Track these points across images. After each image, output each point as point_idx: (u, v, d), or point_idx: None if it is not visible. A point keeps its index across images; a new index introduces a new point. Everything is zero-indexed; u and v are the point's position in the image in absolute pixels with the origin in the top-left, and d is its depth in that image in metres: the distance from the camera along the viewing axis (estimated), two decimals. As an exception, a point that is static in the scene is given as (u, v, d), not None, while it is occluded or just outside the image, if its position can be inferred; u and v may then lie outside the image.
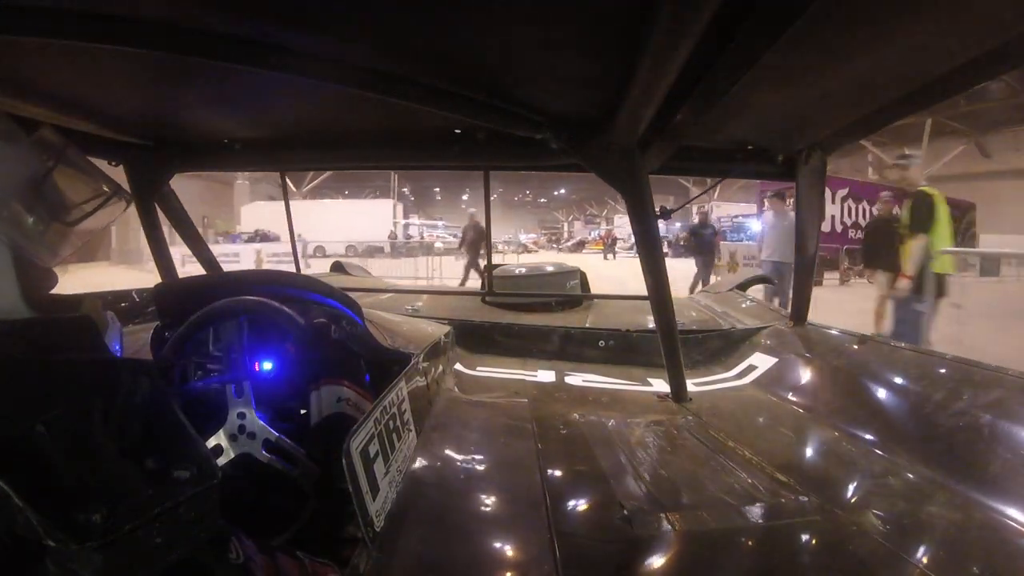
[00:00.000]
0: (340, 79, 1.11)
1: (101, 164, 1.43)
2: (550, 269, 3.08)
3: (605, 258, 25.07)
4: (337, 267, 3.62)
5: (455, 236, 29.14)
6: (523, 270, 3.03)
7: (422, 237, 26.99)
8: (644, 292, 1.70)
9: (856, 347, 1.64)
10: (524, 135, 1.41)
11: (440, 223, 34.37)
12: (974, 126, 18.83)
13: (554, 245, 36.39)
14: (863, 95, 1.25)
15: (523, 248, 32.16)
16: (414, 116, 1.39)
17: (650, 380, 1.89)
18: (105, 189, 0.99)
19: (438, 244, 23.70)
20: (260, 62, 1.03)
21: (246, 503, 1.12)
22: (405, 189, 39.92)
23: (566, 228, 45.16)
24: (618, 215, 41.50)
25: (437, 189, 45.07)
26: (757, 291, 4.06)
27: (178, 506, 0.65)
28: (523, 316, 2.41)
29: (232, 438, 1.18)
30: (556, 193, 45.23)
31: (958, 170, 19.22)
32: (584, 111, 1.33)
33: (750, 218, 24.05)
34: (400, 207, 30.59)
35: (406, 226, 29.75)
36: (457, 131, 1.61)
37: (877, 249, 5.62)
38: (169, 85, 1.33)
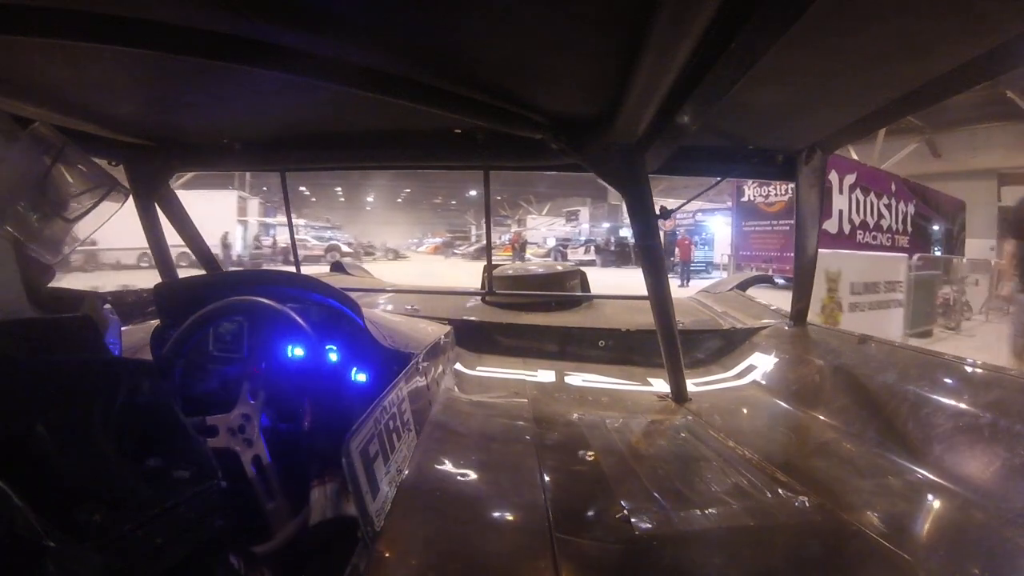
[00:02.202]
0: (340, 79, 1.11)
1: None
2: (550, 269, 3.08)
3: (512, 268, 19.57)
4: (337, 267, 3.62)
5: (330, 240, 22.55)
6: (524, 271, 3.04)
7: (274, 241, 20.85)
8: (640, 293, 1.70)
9: (856, 347, 1.63)
10: (524, 135, 1.41)
11: (325, 226, 27.48)
12: (928, 122, 17.99)
13: (455, 251, 29.13)
14: (863, 95, 1.25)
15: (394, 254, 26.37)
16: (414, 116, 1.39)
17: (650, 380, 1.89)
18: (102, 185, 1.00)
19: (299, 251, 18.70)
20: (260, 62, 1.03)
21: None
22: (303, 188, 34.50)
23: (473, 231, 38.82)
24: (531, 216, 36.60)
25: (339, 189, 40.63)
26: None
27: (178, 506, 0.66)
28: (523, 316, 2.41)
29: (230, 431, 1.18)
30: (467, 195, 40.43)
31: (907, 171, 18.28)
32: (584, 111, 1.33)
33: (712, 216, 19.65)
34: (255, 202, 22.74)
35: (264, 227, 22.98)
36: (457, 131, 1.61)
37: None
38: (169, 85, 1.33)
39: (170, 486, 0.68)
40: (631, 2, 0.80)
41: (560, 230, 31.12)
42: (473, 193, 41.74)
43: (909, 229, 14.18)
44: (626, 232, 24.17)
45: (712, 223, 20.24)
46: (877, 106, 1.29)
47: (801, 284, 1.93)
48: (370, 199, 42.04)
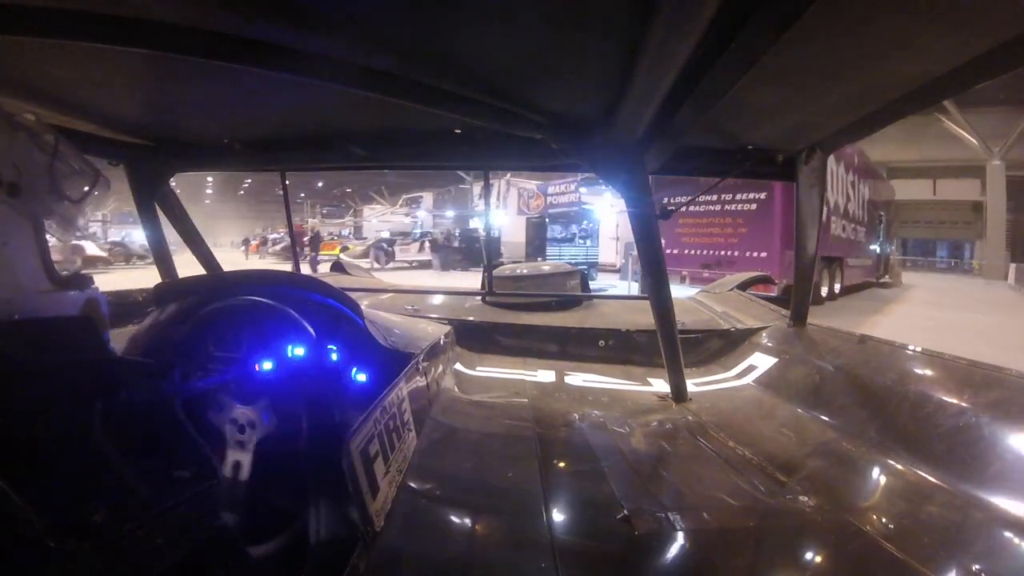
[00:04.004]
0: (340, 79, 1.11)
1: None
2: (550, 269, 3.09)
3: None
4: (337, 267, 3.62)
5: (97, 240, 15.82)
6: (524, 270, 3.04)
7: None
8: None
9: (856, 347, 1.63)
10: (524, 135, 1.41)
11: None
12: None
13: (267, 249, 22.73)
14: (863, 95, 1.25)
15: (133, 257, 17.38)
16: (414, 116, 1.39)
17: (650, 380, 1.89)
18: (91, 173, 1.08)
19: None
20: (260, 62, 1.03)
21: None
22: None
23: (310, 222, 32.31)
24: (369, 206, 32.34)
25: (172, 181, 36.61)
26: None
27: (178, 506, 0.66)
28: (523, 316, 2.41)
29: (230, 431, 1.18)
30: (315, 187, 38.15)
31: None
32: (584, 111, 1.33)
33: (599, 195, 13.34)
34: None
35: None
36: (457, 131, 1.61)
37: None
38: (169, 85, 1.33)
39: (170, 486, 0.68)
40: (631, 2, 0.80)
41: (401, 221, 25.03)
42: (320, 184, 37.80)
43: (865, 217, 12.18)
44: (477, 223, 17.74)
45: (598, 206, 13.66)
46: (877, 106, 1.29)
47: (801, 284, 1.93)
48: (209, 191, 37.98)
